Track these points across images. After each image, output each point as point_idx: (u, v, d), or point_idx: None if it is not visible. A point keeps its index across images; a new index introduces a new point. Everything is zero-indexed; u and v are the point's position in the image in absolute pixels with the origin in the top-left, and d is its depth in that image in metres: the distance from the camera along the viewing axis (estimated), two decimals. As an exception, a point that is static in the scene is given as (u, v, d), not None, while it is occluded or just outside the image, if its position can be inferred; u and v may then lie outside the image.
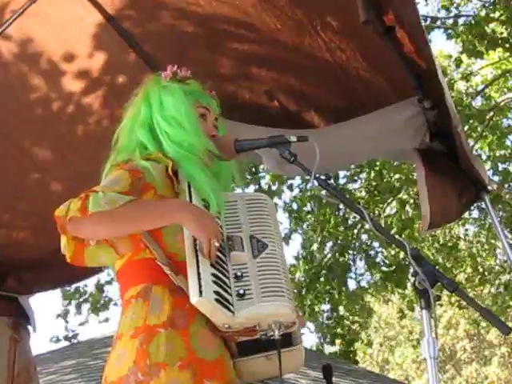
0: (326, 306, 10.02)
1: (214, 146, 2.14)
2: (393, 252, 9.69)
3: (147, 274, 1.95)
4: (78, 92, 3.31)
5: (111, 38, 3.12)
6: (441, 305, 13.64)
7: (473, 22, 8.20)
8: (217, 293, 1.82)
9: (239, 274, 1.91)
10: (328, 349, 11.29)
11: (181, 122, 2.12)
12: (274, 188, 8.95)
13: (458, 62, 8.49)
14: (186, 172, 2.04)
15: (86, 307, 9.60)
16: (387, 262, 9.77)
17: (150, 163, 2.00)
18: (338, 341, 9.97)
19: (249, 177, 8.96)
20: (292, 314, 1.91)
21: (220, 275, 1.88)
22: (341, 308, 9.97)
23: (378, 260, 9.89)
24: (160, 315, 1.88)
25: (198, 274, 1.82)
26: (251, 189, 9.13)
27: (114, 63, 3.23)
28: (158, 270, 1.92)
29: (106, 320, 9.76)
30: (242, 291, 1.88)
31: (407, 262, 8.83)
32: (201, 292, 1.79)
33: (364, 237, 9.94)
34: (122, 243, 1.96)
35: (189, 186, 2.01)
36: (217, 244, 1.86)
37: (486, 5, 8.64)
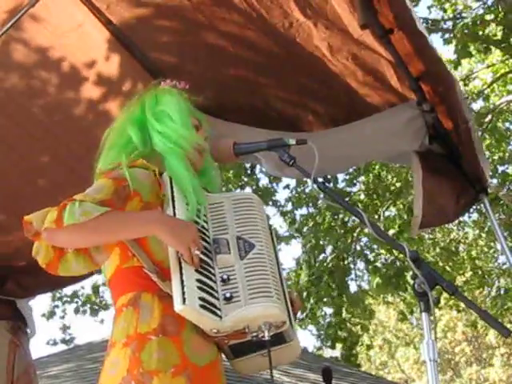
0: (328, 310, 10.02)
1: (202, 141, 2.17)
2: (391, 255, 9.68)
3: (136, 281, 1.96)
4: (78, 98, 3.31)
5: (112, 44, 3.12)
6: (440, 308, 13.62)
7: (470, 23, 8.19)
8: (202, 299, 1.80)
9: (225, 277, 1.89)
10: (328, 353, 11.27)
11: (171, 116, 2.14)
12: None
13: (456, 65, 8.47)
14: (168, 166, 2.05)
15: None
16: (386, 264, 9.75)
17: (135, 170, 2.00)
18: (339, 344, 9.93)
19: (245, 178, 8.97)
20: (281, 314, 1.89)
21: (206, 280, 1.86)
22: (342, 311, 9.95)
23: (377, 263, 9.88)
24: (151, 322, 1.88)
25: (182, 281, 1.81)
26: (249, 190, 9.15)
27: (116, 70, 3.23)
28: (146, 278, 1.93)
29: (102, 321, 9.88)
30: (228, 294, 1.86)
31: (406, 265, 8.83)
32: (184, 299, 1.78)
33: (364, 239, 9.94)
34: (100, 253, 1.97)
35: (172, 191, 2.00)
36: (197, 252, 1.85)
37: (485, 6, 8.64)
